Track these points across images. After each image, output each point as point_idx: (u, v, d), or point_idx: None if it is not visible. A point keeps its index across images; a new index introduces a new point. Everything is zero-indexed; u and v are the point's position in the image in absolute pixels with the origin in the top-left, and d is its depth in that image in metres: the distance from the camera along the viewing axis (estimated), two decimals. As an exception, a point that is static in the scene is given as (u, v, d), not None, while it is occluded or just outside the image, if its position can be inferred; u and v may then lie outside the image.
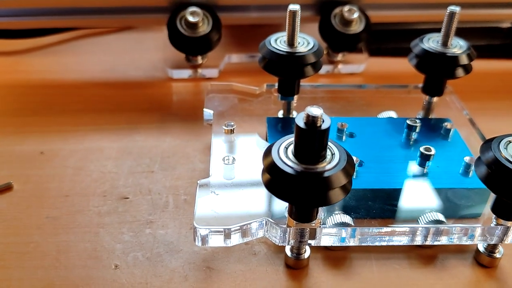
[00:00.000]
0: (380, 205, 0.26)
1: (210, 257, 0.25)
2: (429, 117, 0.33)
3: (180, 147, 0.33)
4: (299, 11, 0.29)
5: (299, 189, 0.21)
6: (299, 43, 0.30)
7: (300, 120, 0.21)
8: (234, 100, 0.33)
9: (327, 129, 0.20)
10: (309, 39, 0.31)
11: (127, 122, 0.35)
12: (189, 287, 0.24)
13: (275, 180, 0.21)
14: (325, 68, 0.41)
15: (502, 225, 0.24)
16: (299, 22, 0.29)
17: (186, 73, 0.40)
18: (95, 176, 0.30)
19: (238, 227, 0.23)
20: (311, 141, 0.21)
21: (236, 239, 0.24)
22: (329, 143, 0.22)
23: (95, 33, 0.47)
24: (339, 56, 0.41)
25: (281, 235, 0.23)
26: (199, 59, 0.40)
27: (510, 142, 0.23)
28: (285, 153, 0.21)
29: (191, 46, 0.37)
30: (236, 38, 0.44)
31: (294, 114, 0.33)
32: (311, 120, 0.20)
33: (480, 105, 0.38)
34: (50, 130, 0.34)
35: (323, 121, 0.20)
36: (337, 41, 0.39)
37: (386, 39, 0.45)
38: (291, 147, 0.22)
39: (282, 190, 0.21)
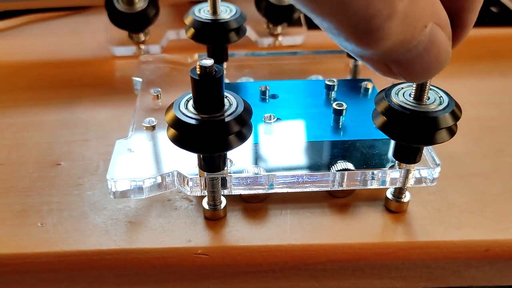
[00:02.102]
0: (297, 157, 0.28)
1: (133, 213, 0.27)
2: (354, 78, 0.34)
3: (116, 117, 0.34)
4: (218, -21, 0.30)
5: (200, 137, 0.22)
6: (221, 11, 0.31)
7: (194, 72, 0.22)
8: (165, 69, 0.34)
9: (220, 77, 0.22)
10: (231, 7, 0.32)
11: (68, 97, 0.36)
12: (109, 239, 0.25)
13: (177, 132, 0.23)
14: (267, 41, 0.43)
15: (403, 169, 0.25)
16: (219, -10, 0.31)
17: (130, 50, 0.41)
18: (31, 145, 0.32)
19: (150, 179, 0.25)
20: (207, 90, 0.22)
21: (149, 191, 0.25)
22: (227, 95, 0.23)
23: (44, 18, 0.48)
24: (279, 29, 0.42)
25: (192, 185, 0.25)
26: (142, 36, 0.41)
27: (402, 89, 0.24)
28: (185, 107, 0.23)
29: (129, 22, 0.39)
30: (178, 16, 0.45)
31: (226, 81, 0.34)
32: (204, 71, 0.21)
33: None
34: (-9, 106, 0.35)
35: (216, 71, 0.22)
36: (273, 14, 0.40)
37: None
38: (191, 102, 0.23)
39: (184, 141, 0.23)
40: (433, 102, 0.23)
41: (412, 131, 0.23)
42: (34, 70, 0.40)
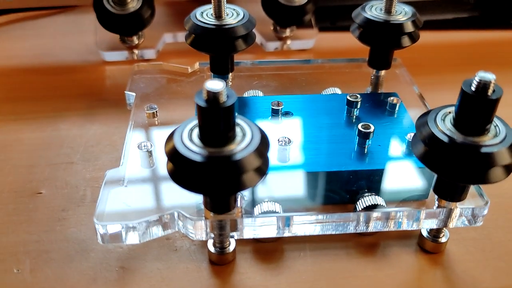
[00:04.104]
0: (315, 190, 0.24)
1: (125, 255, 0.23)
2: (378, 92, 0.30)
3: (107, 135, 0.30)
4: (224, -21, 0.26)
5: (207, 177, 0.18)
6: (227, 14, 0.27)
7: (200, 98, 0.18)
8: (162, 80, 0.30)
9: (232, 106, 0.18)
10: (238, 10, 0.28)
11: (52, 110, 0.32)
12: (97, 290, 0.21)
13: (179, 168, 0.19)
14: (273, 45, 0.39)
15: (444, 207, 0.22)
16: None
17: (122, 55, 0.37)
18: (7, 170, 0.27)
19: (145, 221, 0.21)
20: (215, 121, 0.18)
21: (143, 236, 0.21)
22: (239, 121, 0.19)
23: (27, 17, 0.43)
24: (287, 32, 0.38)
25: (196, 229, 0.21)
26: (135, 40, 0.37)
27: (449, 113, 0.20)
28: (189, 137, 0.19)
29: (121, 25, 0.34)
30: (175, 16, 0.41)
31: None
32: (212, 97, 0.17)
33: (435, 78, 0.36)
34: (-36, 122, 0.31)
35: (227, 97, 0.18)
36: (282, 15, 0.36)
37: (341, 16, 0.43)
38: (196, 130, 0.19)
39: (187, 179, 0.19)
40: (488, 133, 0.19)
41: (460, 167, 0.19)
42: (14, 77, 0.36)
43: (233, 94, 0.18)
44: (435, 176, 0.21)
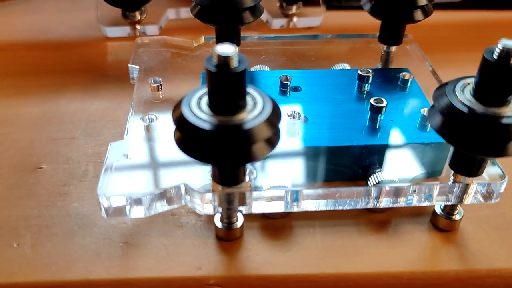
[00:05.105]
0: (326, 165, 0.23)
1: (129, 231, 0.22)
2: (389, 68, 0.30)
3: (109, 110, 0.29)
4: None
5: (216, 146, 0.17)
6: (234, -15, 0.26)
7: (210, 62, 0.17)
8: (166, 54, 0.29)
9: (243, 72, 0.17)
10: (246, -19, 0.27)
11: (52, 85, 0.31)
12: (100, 266, 0.21)
13: (187, 137, 0.18)
14: (279, 22, 0.38)
15: (460, 182, 0.21)
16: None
17: (123, 31, 0.36)
18: (7, 145, 0.27)
19: (150, 194, 0.20)
20: (225, 87, 0.17)
21: (149, 209, 0.20)
22: (250, 91, 0.18)
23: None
24: (294, 9, 0.37)
25: (204, 202, 0.20)
26: (137, 15, 0.36)
27: (468, 84, 0.19)
28: (197, 105, 0.18)
29: (124, -1, 0.34)
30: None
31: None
32: (223, 61, 0.17)
33: (446, 56, 0.35)
34: (-38, 96, 0.30)
35: (239, 62, 0.17)
36: (289, -10, 0.35)
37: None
38: (206, 99, 0.18)
39: (196, 149, 0.18)
40: (509, 104, 0.18)
41: (480, 139, 0.18)
42: (15, 52, 0.35)
43: (245, 60, 0.17)
44: (450, 152, 0.21)
